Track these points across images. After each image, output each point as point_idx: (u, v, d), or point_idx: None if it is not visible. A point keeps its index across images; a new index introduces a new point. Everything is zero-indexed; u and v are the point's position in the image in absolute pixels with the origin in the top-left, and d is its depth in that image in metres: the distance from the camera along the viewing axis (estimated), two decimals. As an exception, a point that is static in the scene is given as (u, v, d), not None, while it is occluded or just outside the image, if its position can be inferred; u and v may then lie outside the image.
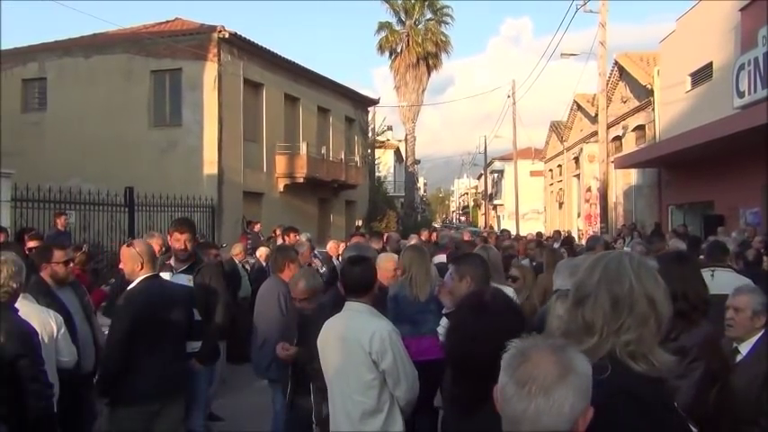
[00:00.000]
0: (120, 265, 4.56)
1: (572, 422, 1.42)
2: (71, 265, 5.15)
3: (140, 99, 19.70)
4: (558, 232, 20.06)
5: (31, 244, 7.34)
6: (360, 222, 25.86)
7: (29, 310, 3.96)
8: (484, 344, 2.28)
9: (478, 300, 2.46)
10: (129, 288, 4.37)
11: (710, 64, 16.88)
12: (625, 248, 11.23)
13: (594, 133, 23.85)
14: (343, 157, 25.58)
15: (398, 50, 33.08)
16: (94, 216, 13.75)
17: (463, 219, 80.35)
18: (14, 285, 3.53)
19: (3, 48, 21.24)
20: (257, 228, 15.78)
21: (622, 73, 23.90)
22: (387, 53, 33.39)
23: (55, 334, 4.13)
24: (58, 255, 4.80)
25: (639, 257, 1.88)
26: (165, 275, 4.95)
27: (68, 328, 4.34)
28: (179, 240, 5.11)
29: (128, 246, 4.49)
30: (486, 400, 2.29)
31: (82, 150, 19.00)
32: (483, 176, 57.03)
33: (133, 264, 4.36)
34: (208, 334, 5.06)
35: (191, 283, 4.99)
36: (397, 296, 5.32)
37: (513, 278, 5.63)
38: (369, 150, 32.34)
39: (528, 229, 30.74)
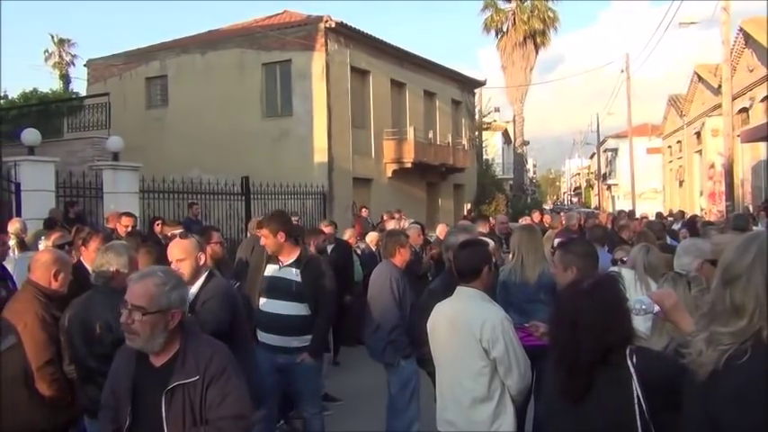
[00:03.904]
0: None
1: None
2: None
3: (253, 91, 20.40)
4: (680, 212, 19.12)
5: (176, 231, 8.02)
6: (469, 206, 25.67)
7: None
8: (585, 332, 2.21)
9: (578, 287, 2.39)
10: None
11: None
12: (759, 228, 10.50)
13: (718, 106, 22.41)
14: (450, 140, 25.41)
15: (504, 29, 32.33)
16: (214, 205, 14.46)
17: (575, 200, 77.98)
18: (111, 269, 3.70)
19: (129, 49, 22.68)
20: (365, 213, 16.02)
21: (748, 40, 22.29)
22: (492, 33, 32.76)
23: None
24: (216, 236, 5.21)
25: None
26: (273, 268, 4.95)
27: None
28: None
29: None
30: (591, 388, 2.24)
31: (201, 142, 19.92)
32: (596, 155, 55.08)
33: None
34: (317, 328, 4.97)
35: (298, 278, 4.87)
36: (506, 282, 5.19)
37: (620, 261, 5.39)
38: (476, 133, 31.95)
39: (645, 209, 29.45)
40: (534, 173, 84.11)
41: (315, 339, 4.94)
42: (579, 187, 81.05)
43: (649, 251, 4.83)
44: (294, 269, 4.89)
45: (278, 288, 4.89)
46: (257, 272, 5.10)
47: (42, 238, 7.09)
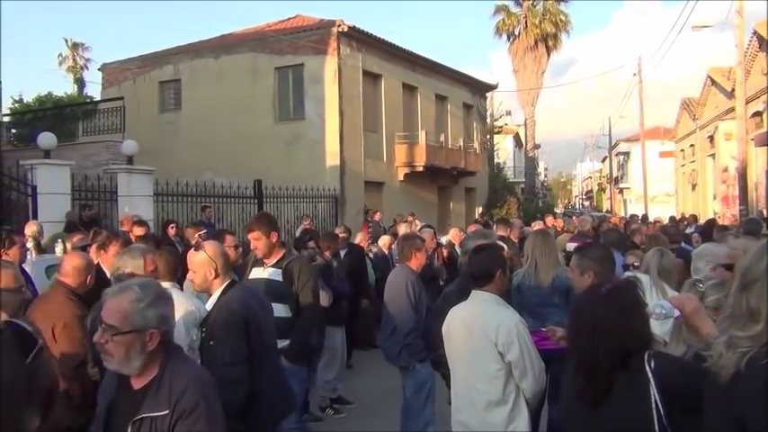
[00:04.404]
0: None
1: None
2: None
3: (266, 95, 20.49)
4: (693, 216, 19.05)
5: (198, 233, 8.15)
6: (480, 209, 25.65)
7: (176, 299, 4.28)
8: (604, 337, 2.23)
9: (597, 292, 2.40)
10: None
11: None
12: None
13: (731, 109, 22.28)
14: (461, 144, 25.42)
15: (516, 33, 32.36)
16: (227, 208, 14.54)
17: (587, 204, 77.65)
18: (126, 271, 3.76)
19: (143, 53, 22.83)
20: (377, 216, 16.03)
21: (762, 43, 22.14)
22: (504, 36, 32.78)
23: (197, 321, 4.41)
24: (230, 239, 5.22)
25: None
26: (259, 270, 4.98)
27: None
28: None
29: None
30: (610, 393, 2.25)
31: (213, 146, 19.99)
32: (608, 159, 54.90)
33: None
34: (296, 330, 4.91)
35: (280, 278, 4.89)
36: (520, 286, 5.22)
37: (632, 265, 5.39)
38: (487, 136, 31.94)
39: (657, 213, 29.33)
40: (545, 176, 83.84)
41: (293, 341, 4.86)
42: (591, 191, 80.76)
43: (663, 255, 4.83)
44: (278, 270, 4.92)
45: (266, 291, 4.80)
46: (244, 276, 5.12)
47: (59, 240, 7.17)
